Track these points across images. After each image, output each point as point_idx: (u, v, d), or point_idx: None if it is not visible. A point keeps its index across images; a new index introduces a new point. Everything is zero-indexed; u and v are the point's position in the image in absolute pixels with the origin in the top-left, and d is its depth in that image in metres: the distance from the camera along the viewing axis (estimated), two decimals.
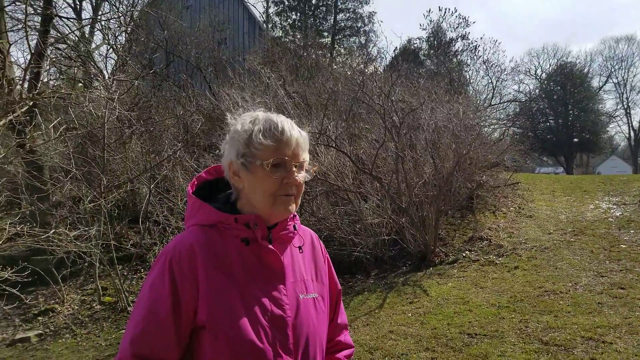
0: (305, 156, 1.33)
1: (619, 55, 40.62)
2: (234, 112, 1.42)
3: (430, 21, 22.38)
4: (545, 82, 36.87)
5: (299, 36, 17.44)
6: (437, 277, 6.95)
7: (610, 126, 41.41)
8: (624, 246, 7.68)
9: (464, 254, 7.74)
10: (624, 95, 40.77)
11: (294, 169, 1.29)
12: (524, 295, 5.79)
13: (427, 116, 7.99)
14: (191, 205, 1.37)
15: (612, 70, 40.70)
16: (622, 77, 40.62)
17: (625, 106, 40.90)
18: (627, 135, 42.32)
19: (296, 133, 1.30)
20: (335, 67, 13.04)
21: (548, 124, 36.26)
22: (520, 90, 34.41)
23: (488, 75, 21.68)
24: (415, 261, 7.73)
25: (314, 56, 12.56)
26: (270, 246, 1.31)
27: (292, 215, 1.37)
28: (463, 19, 21.69)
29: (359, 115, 8.87)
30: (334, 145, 7.30)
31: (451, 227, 8.83)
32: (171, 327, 1.22)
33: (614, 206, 10.63)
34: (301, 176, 1.32)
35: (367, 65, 10.99)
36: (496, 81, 21.65)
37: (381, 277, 7.51)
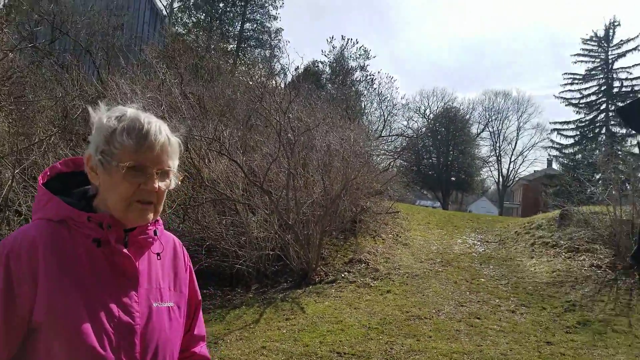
0: (171, 163, 1.25)
1: (496, 107, 45.37)
2: (111, 103, 1.31)
3: (333, 47, 23.24)
4: (432, 122, 39.94)
5: (203, 37, 17.03)
6: (316, 296, 7.04)
7: (483, 170, 45.89)
8: (483, 280, 8.43)
9: (343, 275, 7.95)
10: (497, 144, 45.51)
11: (155, 175, 1.20)
12: (392, 318, 6.07)
13: (321, 138, 8.19)
14: (39, 197, 1.24)
15: (490, 120, 45.31)
16: (497, 127, 45.36)
17: (497, 154, 45.66)
18: (496, 179, 47.13)
19: (163, 137, 1.21)
20: (237, 74, 12.91)
21: (431, 160, 39.18)
22: (409, 126, 36.91)
23: (381, 107, 22.98)
24: (296, 278, 7.78)
25: (215, 60, 12.31)
26: (124, 250, 1.21)
27: (154, 220, 1.28)
28: (364, 51, 22.86)
29: (256, 127, 8.84)
30: (226, 154, 7.16)
31: (334, 247, 9.05)
32: (1, 326, 1.10)
33: (478, 242, 11.67)
34: (163, 184, 1.23)
35: (269, 79, 11.04)
36: (387, 114, 23.02)
37: (261, 291, 7.43)
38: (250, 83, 10.26)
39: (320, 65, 23.07)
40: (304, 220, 7.76)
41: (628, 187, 11.84)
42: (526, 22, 78.16)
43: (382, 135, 20.10)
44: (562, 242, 10.24)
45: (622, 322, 6.29)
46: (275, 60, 21.11)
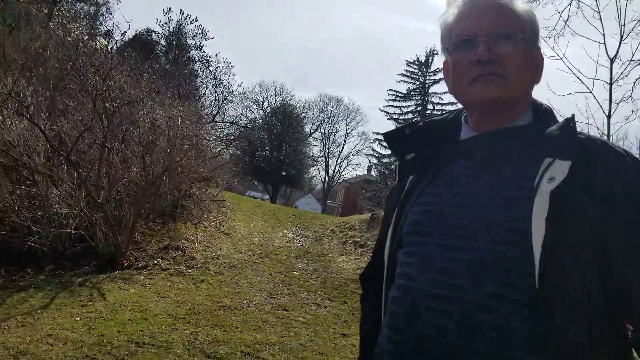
0: None
1: (329, 110, 48.00)
2: None
3: (169, 19, 21.87)
4: (269, 115, 40.55)
5: None
6: (121, 282, 6.49)
7: (313, 168, 48.18)
8: (296, 273, 8.74)
9: (155, 261, 7.49)
10: (327, 146, 48.19)
11: None
12: (202, 308, 5.89)
13: (145, 113, 7.59)
14: None
15: (322, 121, 47.74)
16: (328, 130, 48.04)
17: (326, 155, 48.35)
18: (322, 179, 49.87)
19: None
20: (51, 26, 11.27)
21: (265, 153, 39.72)
22: (245, 115, 36.89)
23: (216, 92, 22.46)
24: (102, 262, 7.08)
25: (24, 4, 10.54)
26: None
27: None
28: (202, 30, 22.00)
29: (69, 90, 7.80)
30: (25, 115, 6.13)
31: (150, 232, 8.49)
32: None
33: (298, 237, 12.13)
34: None
35: (90, 39, 9.85)
36: (223, 100, 22.60)
37: (57, 274, 6.59)
38: (69, 39, 9.03)
39: (154, 35, 21.52)
40: (116, 200, 7.11)
41: None
42: (362, 37, 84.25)
43: (216, 120, 19.63)
44: (369, 242, 11.18)
45: None
46: (100, 20, 18.94)
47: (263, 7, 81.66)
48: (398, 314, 1.00)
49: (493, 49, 0.99)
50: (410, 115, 36.86)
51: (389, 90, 37.44)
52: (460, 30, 1.04)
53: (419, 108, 36.54)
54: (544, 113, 1.07)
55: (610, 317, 0.89)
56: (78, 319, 5.00)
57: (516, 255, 0.89)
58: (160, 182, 8.17)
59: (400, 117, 36.95)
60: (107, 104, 7.14)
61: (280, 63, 79.05)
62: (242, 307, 6.23)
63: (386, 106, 37.40)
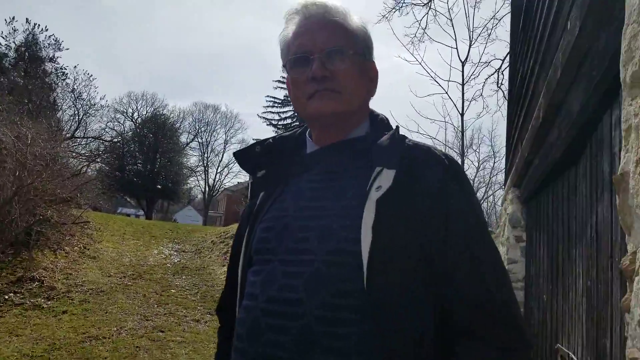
0: None
1: (206, 119, 46.85)
2: None
3: (14, 30, 19.83)
4: (140, 126, 38.45)
5: None
6: None
7: (191, 179, 46.59)
8: (173, 291, 8.43)
9: (7, 297, 6.73)
10: (205, 155, 46.95)
11: None
12: (64, 342, 5.44)
13: None
14: None
15: (199, 130, 46.44)
16: (206, 139, 46.84)
17: (205, 164, 47.08)
18: (202, 189, 48.49)
19: None
20: None
21: (136, 167, 37.55)
22: (113, 128, 34.63)
23: (75, 106, 20.83)
24: None
25: None
26: None
27: None
28: (55, 40, 20.32)
29: None
30: None
31: None
32: None
33: (175, 252, 11.71)
34: None
35: None
36: (83, 114, 21.02)
37: None
38: None
39: (2, 47, 19.34)
40: None
41: None
42: (241, 43, 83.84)
43: (76, 136, 18.14)
44: None
45: None
46: None
47: (129, 15, 77.25)
48: (242, 335, 1.00)
49: (327, 66, 1.04)
50: (289, 121, 37.42)
51: (267, 96, 37.74)
52: (296, 47, 1.08)
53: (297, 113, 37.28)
54: (380, 123, 1.14)
55: (440, 319, 0.94)
56: None
57: (348, 263, 0.92)
58: (10, 208, 7.37)
59: (280, 123, 37.38)
60: None
61: (151, 72, 75.32)
62: (112, 335, 5.86)
63: (265, 112, 37.63)
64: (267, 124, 37.88)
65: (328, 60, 1.05)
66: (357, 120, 1.11)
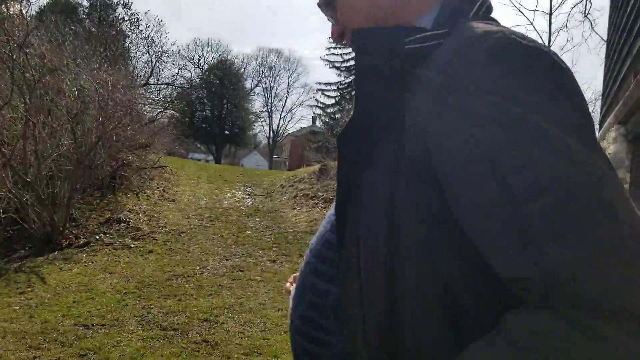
0: None
1: (269, 64, 46.81)
2: None
3: None
4: (207, 73, 39.07)
5: None
6: (62, 263, 6.19)
7: (256, 125, 47.37)
8: (249, 232, 8.67)
9: (97, 237, 7.18)
10: (269, 100, 47.30)
11: None
12: (152, 280, 5.74)
13: (70, 81, 7.03)
14: None
15: (263, 75, 46.59)
16: (270, 84, 47.02)
17: (269, 109, 47.53)
18: (267, 134, 49.26)
19: None
20: None
21: (205, 113, 38.54)
22: (181, 75, 35.40)
23: (148, 52, 21.26)
24: (38, 244, 6.69)
25: None
26: None
27: None
28: None
29: None
30: None
31: (88, 207, 8.09)
32: None
33: (247, 196, 11.99)
34: None
35: (3, 4, 8.90)
36: (156, 61, 21.46)
37: None
38: None
39: None
40: (48, 177, 6.66)
41: None
42: None
43: (150, 83, 18.64)
44: (319, 193, 11.21)
45: None
46: None
47: None
48: None
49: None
50: (352, 62, 36.54)
51: (329, 38, 36.85)
52: None
53: None
54: None
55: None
56: (17, 307, 4.72)
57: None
58: (95, 154, 7.73)
59: (343, 65, 36.65)
60: (27, 74, 6.54)
61: (213, 17, 75.53)
62: (195, 274, 6.12)
63: (327, 55, 36.93)
64: (330, 67, 37.23)
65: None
66: None
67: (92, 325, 4.37)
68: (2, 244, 6.54)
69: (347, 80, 36.87)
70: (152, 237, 7.44)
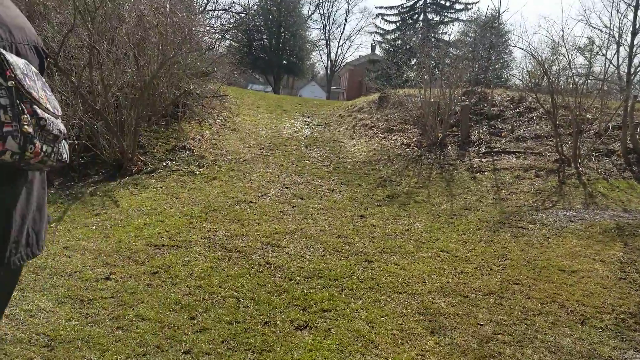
0: None
1: None
2: None
3: None
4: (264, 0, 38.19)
5: None
6: (133, 187, 6.48)
7: (314, 54, 46.52)
8: (308, 161, 8.67)
9: (164, 164, 7.43)
10: (327, 28, 45.97)
11: None
12: (217, 205, 5.91)
13: (129, 6, 7.02)
14: None
15: (320, 1, 45.01)
16: (327, 10, 45.49)
17: (327, 37, 46.29)
18: (325, 64, 48.30)
19: None
20: None
21: (263, 42, 38.08)
22: (239, 2, 34.78)
23: None
24: (110, 170, 7.04)
25: None
26: None
27: None
28: None
29: None
30: None
31: (154, 134, 8.33)
32: None
33: (306, 126, 11.92)
34: None
35: None
36: None
37: (66, 186, 6.58)
38: None
39: None
40: (115, 105, 6.85)
41: (437, 72, 12.94)
42: None
43: (207, 9, 18.45)
44: (379, 123, 10.95)
45: (422, 193, 7.08)
46: None
47: None
48: None
49: None
50: None
51: None
52: None
53: None
54: None
55: None
56: (94, 228, 5.03)
57: None
58: (157, 81, 7.83)
59: None
60: (87, 0, 6.58)
61: None
62: (258, 200, 6.24)
63: None
64: None
65: None
66: None
67: (162, 245, 4.59)
68: (77, 170, 6.91)
69: (410, 3, 34.87)
70: (216, 165, 7.60)
